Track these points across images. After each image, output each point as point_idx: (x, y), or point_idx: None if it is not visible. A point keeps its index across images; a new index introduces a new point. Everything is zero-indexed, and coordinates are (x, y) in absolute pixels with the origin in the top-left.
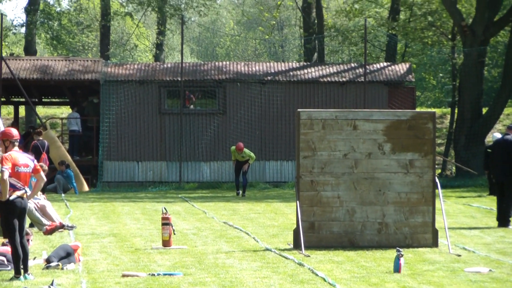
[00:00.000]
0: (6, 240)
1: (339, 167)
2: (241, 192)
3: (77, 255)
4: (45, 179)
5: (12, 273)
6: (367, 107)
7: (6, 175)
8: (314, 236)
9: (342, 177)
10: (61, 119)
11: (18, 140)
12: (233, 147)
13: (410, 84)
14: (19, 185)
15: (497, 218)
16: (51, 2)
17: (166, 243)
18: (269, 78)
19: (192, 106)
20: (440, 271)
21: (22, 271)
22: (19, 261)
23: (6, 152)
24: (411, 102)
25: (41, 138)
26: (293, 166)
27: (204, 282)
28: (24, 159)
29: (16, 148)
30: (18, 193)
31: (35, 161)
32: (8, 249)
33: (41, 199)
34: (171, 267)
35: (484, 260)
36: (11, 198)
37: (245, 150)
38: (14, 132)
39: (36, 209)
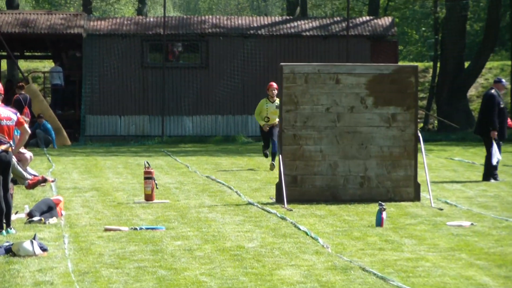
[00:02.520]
0: None
1: (321, 121)
2: (271, 160)
3: (59, 209)
4: (29, 131)
5: None
6: (350, 61)
7: None
8: (296, 190)
9: (324, 131)
10: (44, 73)
11: (1, 95)
12: (262, 100)
13: (393, 38)
14: (3, 139)
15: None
16: None
17: (148, 197)
18: (251, 32)
19: (174, 60)
20: (422, 225)
21: (4, 225)
22: (2, 216)
23: None
24: (394, 56)
25: (23, 92)
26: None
27: (186, 236)
28: (6, 113)
29: None
30: (2, 147)
31: (18, 114)
32: None
33: (25, 152)
34: (153, 221)
35: (466, 214)
36: None
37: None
38: None
39: (17, 163)
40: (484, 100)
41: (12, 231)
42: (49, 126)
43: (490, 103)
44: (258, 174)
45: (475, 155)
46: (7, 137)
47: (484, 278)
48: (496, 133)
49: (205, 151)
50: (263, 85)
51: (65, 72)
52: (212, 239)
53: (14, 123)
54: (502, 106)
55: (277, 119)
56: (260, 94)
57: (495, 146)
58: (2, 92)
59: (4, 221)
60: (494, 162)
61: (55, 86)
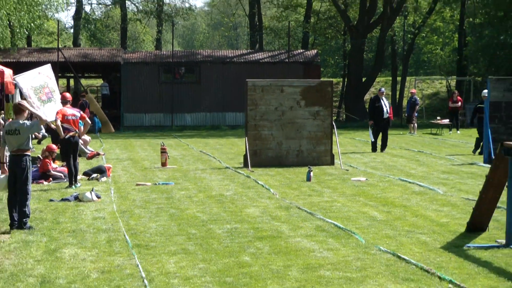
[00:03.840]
0: (64, 163)
1: (272, 116)
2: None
3: (108, 173)
4: (90, 122)
5: (67, 184)
6: (290, 77)
7: (58, 122)
8: (256, 159)
9: (274, 122)
10: (97, 87)
11: (70, 101)
12: None
13: (317, 63)
14: (71, 128)
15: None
16: (89, 12)
17: (163, 164)
18: (228, 60)
19: (179, 78)
20: (335, 180)
21: (73, 182)
22: (72, 176)
23: None
24: (318, 75)
25: (85, 99)
26: (243, 115)
27: (187, 188)
28: (71, 111)
29: (68, 105)
30: (71, 133)
31: (81, 112)
32: (65, 169)
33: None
34: (167, 179)
35: (363, 173)
36: (66, 137)
37: None
38: (67, 95)
39: (81, 143)
40: None
41: (78, 185)
42: (96, 119)
43: (369, 104)
44: (232, 149)
45: (368, 137)
46: (74, 127)
47: (374, 212)
48: (371, 122)
49: (199, 135)
50: (235, 94)
51: (110, 86)
52: (204, 190)
53: (77, 118)
54: (377, 105)
55: None
56: (234, 100)
57: (370, 131)
58: (71, 99)
59: (74, 180)
60: (372, 139)
61: (104, 95)
